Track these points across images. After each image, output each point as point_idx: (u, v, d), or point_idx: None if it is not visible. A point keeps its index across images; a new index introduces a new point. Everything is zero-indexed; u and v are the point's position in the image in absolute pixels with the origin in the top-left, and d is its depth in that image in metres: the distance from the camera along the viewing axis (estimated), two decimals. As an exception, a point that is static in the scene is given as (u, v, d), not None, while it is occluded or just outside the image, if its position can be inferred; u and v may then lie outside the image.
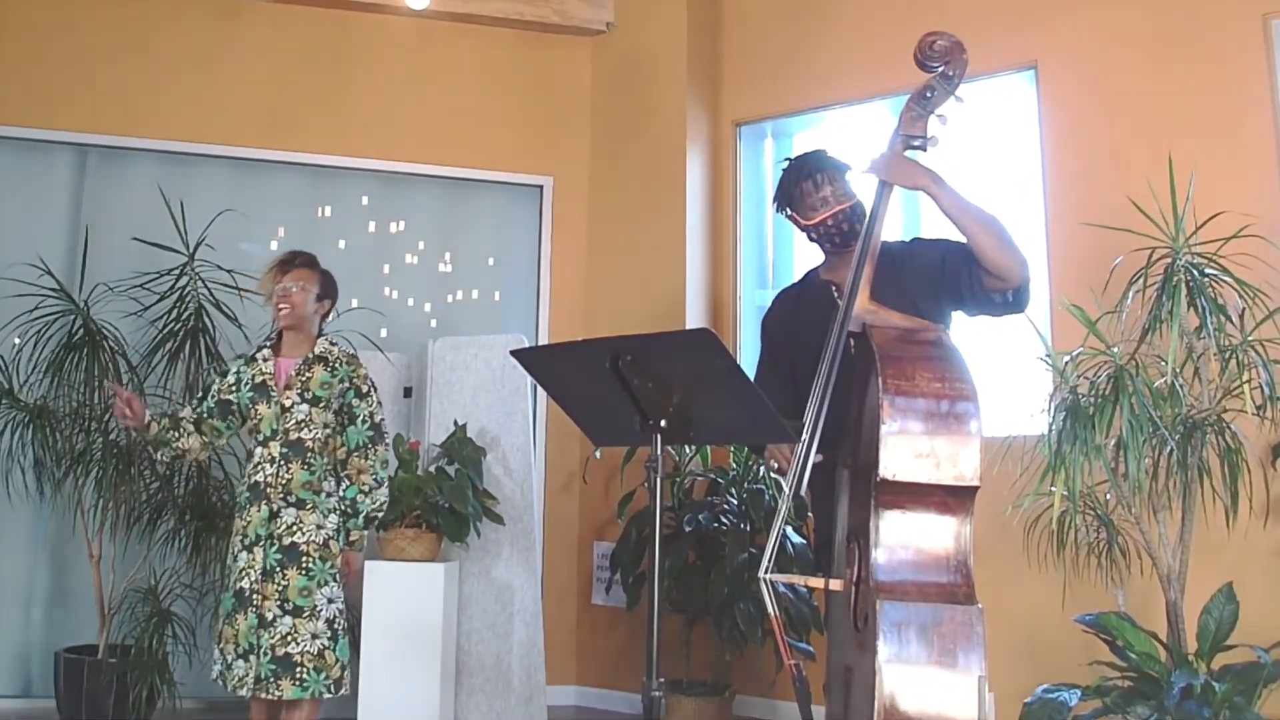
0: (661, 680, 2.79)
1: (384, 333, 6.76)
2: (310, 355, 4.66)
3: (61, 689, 5.73)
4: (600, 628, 6.80)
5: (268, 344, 4.77)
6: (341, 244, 6.97)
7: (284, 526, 4.45)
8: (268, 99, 6.89)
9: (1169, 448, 4.12)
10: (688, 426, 2.91)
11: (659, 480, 2.84)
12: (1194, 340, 4.17)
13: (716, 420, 3.00)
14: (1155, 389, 4.10)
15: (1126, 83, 5.46)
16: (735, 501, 5.88)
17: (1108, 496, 4.38)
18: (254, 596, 4.41)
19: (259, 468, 4.54)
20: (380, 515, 4.74)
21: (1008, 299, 3.49)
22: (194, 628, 5.87)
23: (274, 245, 6.83)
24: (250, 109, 6.86)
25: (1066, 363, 4.20)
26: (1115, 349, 4.09)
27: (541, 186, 7.28)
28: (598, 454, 6.44)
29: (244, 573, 4.45)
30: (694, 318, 6.69)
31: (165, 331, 6.05)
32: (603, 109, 7.34)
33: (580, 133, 7.36)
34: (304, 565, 4.44)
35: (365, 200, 7.10)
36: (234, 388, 4.69)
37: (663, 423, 2.83)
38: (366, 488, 4.65)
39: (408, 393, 6.48)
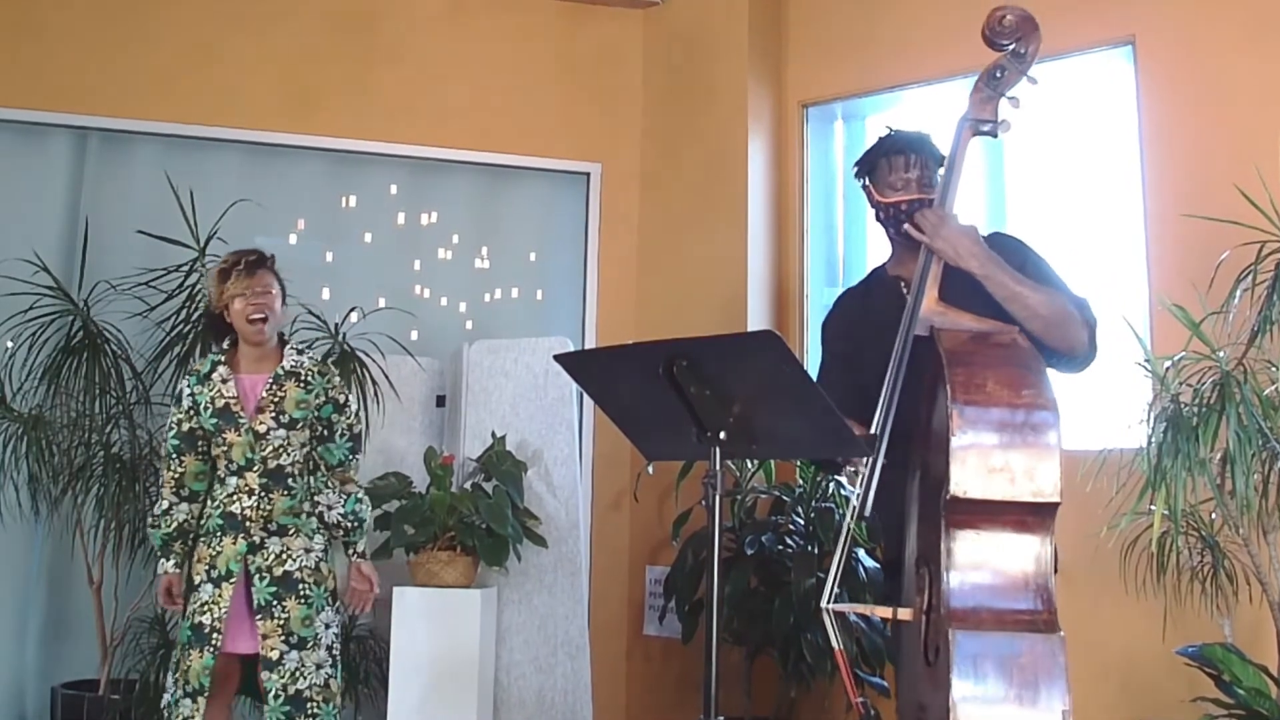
0: (720, 718, 2.80)
1: (414, 335, 6.80)
2: (280, 371, 4.68)
3: (59, 728, 5.78)
4: (653, 660, 6.82)
5: (220, 358, 4.75)
6: (368, 237, 7.03)
7: (272, 557, 4.57)
8: (286, 78, 6.90)
9: (1280, 463, 4.16)
10: (750, 439, 2.93)
11: (718, 498, 2.86)
12: (1307, 343, 4.21)
13: (781, 432, 3.02)
14: (1265, 397, 4.13)
15: (1234, 59, 5.41)
16: (801, 521, 5.87)
17: (1213, 516, 4.41)
18: (213, 635, 4.46)
19: (234, 498, 4.60)
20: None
21: (1065, 359, 3.54)
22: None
23: (292, 239, 6.89)
24: (267, 89, 6.86)
25: (1167, 368, 4.22)
26: (1221, 353, 4.12)
27: (588, 174, 7.29)
28: (650, 469, 6.39)
29: (206, 607, 4.51)
30: (756, 318, 6.70)
31: (173, 334, 5.99)
32: (655, 89, 7.36)
33: (631, 115, 7.37)
34: (302, 594, 4.57)
35: (394, 189, 7.13)
36: (193, 413, 4.70)
37: (722, 435, 2.85)
38: (360, 494, 4.87)
39: (440, 401, 6.57)
